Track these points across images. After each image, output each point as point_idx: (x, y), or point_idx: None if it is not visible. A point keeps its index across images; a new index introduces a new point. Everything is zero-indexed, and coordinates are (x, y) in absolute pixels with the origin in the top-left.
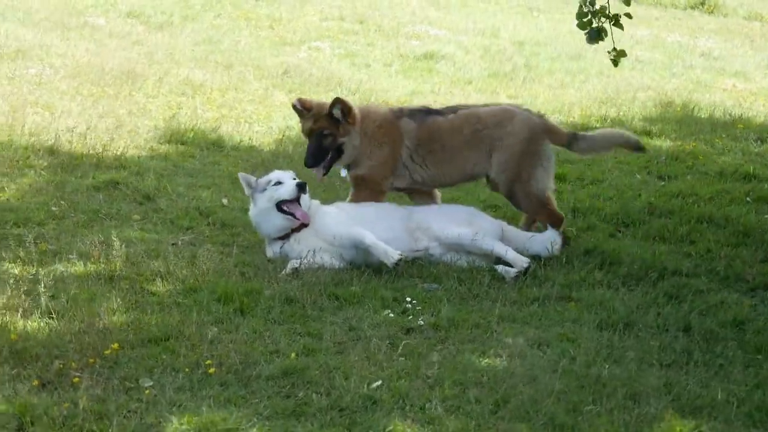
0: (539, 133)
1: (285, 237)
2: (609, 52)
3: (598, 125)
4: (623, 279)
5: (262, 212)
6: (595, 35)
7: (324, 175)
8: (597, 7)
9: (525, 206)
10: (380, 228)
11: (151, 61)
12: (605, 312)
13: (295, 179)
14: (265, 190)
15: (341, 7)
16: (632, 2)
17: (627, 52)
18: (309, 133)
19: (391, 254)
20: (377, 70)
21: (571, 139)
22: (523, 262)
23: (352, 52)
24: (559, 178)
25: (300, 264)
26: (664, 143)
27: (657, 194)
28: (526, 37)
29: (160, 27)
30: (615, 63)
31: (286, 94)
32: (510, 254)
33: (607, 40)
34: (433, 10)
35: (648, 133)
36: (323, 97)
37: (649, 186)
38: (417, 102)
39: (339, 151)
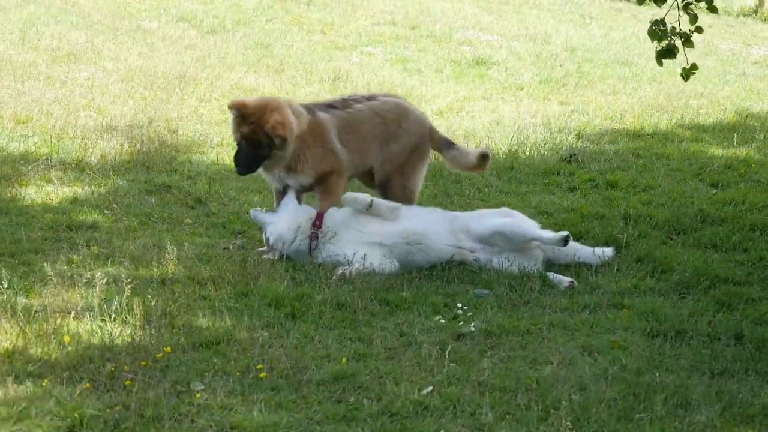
0: (427, 133)
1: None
2: (683, 69)
3: (650, 133)
4: (675, 287)
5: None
6: (665, 54)
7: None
8: (668, 26)
9: (397, 200)
10: (426, 221)
11: (203, 65)
12: (656, 320)
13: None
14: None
15: (393, 12)
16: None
17: (679, 59)
18: (243, 138)
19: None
20: (429, 76)
21: (444, 145)
22: (560, 238)
23: (403, 57)
24: (611, 185)
25: (349, 270)
26: (717, 151)
27: (709, 202)
28: (578, 44)
29: (212, 31)
30: (685, 78)
31: None
32: (546, 234)
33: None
34: (485, 15)
35: (700, 141)
36: None
37: (701, 193)
38: (469, 107)
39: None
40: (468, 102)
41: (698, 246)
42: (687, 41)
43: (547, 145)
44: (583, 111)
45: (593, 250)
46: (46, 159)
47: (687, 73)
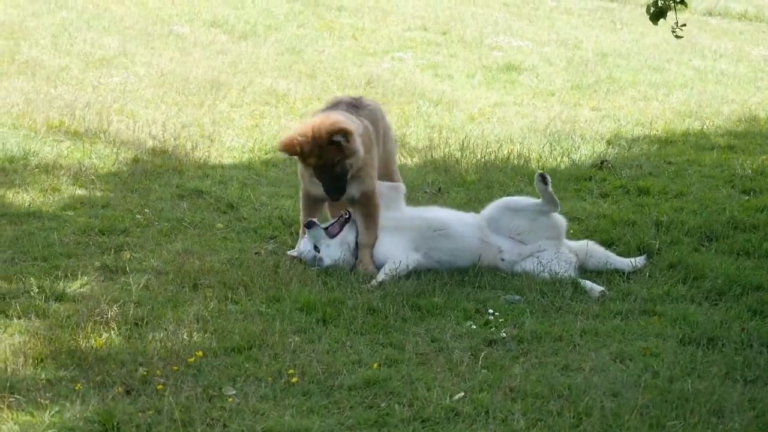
0: None
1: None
2: (674, 26)
3: (681, 139)
4: (707, 293)
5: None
6: (658, 15)
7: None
8: None
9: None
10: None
11: (235, 71)
12: (688, 327)
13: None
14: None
15: (424, 17)
16: (716, 15)
17: (711, 65)
18: (319, 170)
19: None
20: (460, 82)
21: None
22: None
23: (434, 62)
24: (643, 191)
25: (388, 273)
26: (749, 158)
27: (741, 208)
28: (609, 49)
29: (244, 36)
30: (676, 35)
31: None
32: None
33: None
34: (516, 21)
35: (732, 147)
36: (406, 108)
37: (733, 200)
38: (500, 113)
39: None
40: (499, 108)
41: (730, 253)
42: (682, 2)
43: (578, 151)
44: (615, 117)
45: (628, 260)
46: (79, 163)
47: (676, 33)
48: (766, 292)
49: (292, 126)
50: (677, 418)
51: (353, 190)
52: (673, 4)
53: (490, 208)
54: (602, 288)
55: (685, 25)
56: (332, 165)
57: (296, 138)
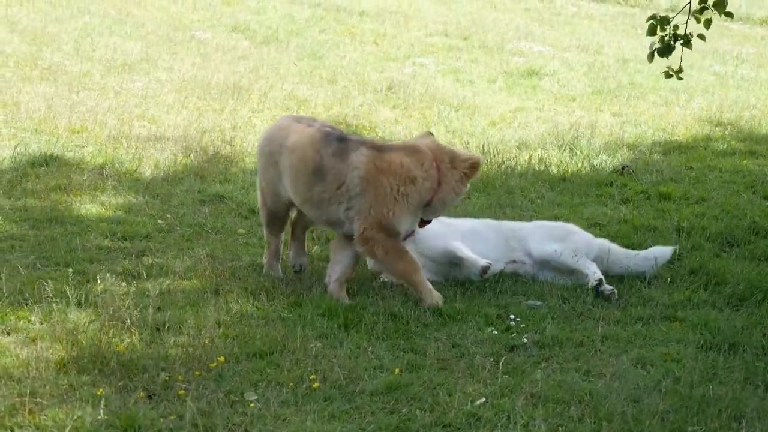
0: None
1: None
2: (668, 68)
3: (703, 144)
4: (728, 299)
5: None
6: (664, 51)
7: None
8: (672, 24)
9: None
10: (477, 240)
11: (256, 76)
12: (709, 332)
13: None
14: None
15: (445, 23)
16: (738, 21)
17: (732, 71)
18: None
19: (481, 262)
20: (481, 87)
21: None
22: (606, 289)
23: (455, 68)
24: (664, 197)
25: (389, 278)
26: None
27: (762, 214)
28: (630, 55)
29: (265, 42)
30: (667, 75)
31: (391, 110)
32: (593, 276)
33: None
34: (537, 26)
35: (753, 153)
36: (427, 113)
37: (754, 206)
38: (522, 118)
39: None
40: (520, 113)
41: (752, 258)
42: (687, 43)
43: (599, 156)
44: (636, 122)
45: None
46: (101, 168)
47: (672, 74)
48: None
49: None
50: (698, 424)
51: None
52: (680, 45)
53: (536, 247)
54: (612, 287)
55: (681, 70)
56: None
57: None
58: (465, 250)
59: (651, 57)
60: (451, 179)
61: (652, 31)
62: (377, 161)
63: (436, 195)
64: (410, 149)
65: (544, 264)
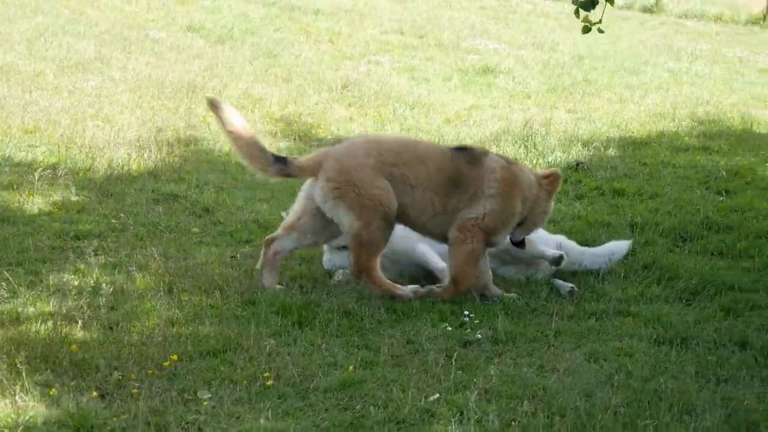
0: None
1: (344, 247)
2: (585, 21)
3: (656, 141)
4: (681, 294)
5: None
6: (588, 6)
7: None
8: None
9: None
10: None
11: (211, 75)
12: (662, 327)
13: None
14: None
15: (401, 21)
16: (692, 18)
17: (686, 67)
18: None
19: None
20: (436, 85)
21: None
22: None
23: (411, 66)
24: (618, 193)
25: (344, 276)
26: (723, 159)
27: (715, 209)
28: (585, 52)
29: (220, 41)
30: (585, 30)
31: (346, 108)
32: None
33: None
34: (493, 24)
35: (706, 149)
36: (383, 111)
37: (707, 201)
38: (477, 115)
39: None
40: (475, 110)
41: (704, 253)
42: None
43: (553, 153)
44: (590, 119)
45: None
46: (54, 168)
47: (588, 28)
48: (740, 292)
49: (266, 130)
50: (650, 418)
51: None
52: None
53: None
54: (571, 285)
55: (600, 21)
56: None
57: None
58: (431, 256)
59: (577, 12)
60: (541, 199)
61: None
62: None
63: (529, 215)
64: (521, 166)
65: (503, 257)
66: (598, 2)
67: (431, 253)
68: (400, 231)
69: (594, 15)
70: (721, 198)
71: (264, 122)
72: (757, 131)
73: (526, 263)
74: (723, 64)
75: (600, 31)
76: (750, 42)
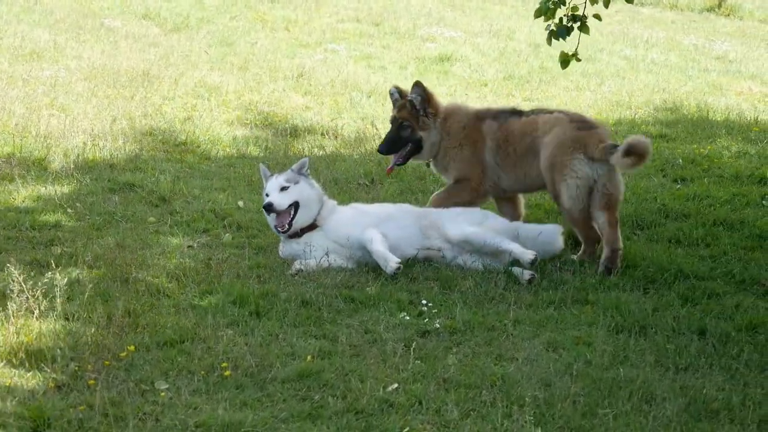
0: (566, 145)
1: (296, 236)
2: (562, 54)
3: (613, 129)
4: (639, 282)
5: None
6: (563, 34)
7: (399, 165)
8: (570, 4)
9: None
10: (392, 226)
11: (166, 63)
12: (620, 315)
13: (268, 195)
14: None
15: (357, 9)
16: (648, 5)
17: (642, 54)
18: (391, 121)
19: (391, 263)
20: (393, 73)
21: (607, 153)
22: (528, 255)
23: (367, 54)
24: None
25: (302, 265)
26: (680, 146)
27: (672, 197)
28: (541, 40)
29: (176, 29)
30: (563, 65)
31: (302, 96)
32: (516, 249)
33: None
34: (449, 11)
35: (663, 136)
36: (339, 100)
37: (664, 189)
38: None
39: (419, 146)
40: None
41: (661, 241)
42: (583, 26)
43: None
44: (547, 107)
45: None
46: (8, 158)
47: (566, 60)
48: (697, 279)
49: (222, 118)
50: (609, 406)
51: (435, 170)
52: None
53: (453, 229)
54: (532, 272)
55: (576, 52)
56: (401, 125)
57: (405, 91)
58: (377, 244)
59: (549, 40)
60: None
61: (541, 13)
62: None
63: None
64: None
65: (464, 248)
66: (573, 30)
67: (377, 238)
68: (350, 215)
69: (570, 41)
70: (678, 186)
71: (220, 110)
72: (713, 119)
73: (490, 254)
74: (679, 51)
75: (577, 59)
76: (705, 29)
